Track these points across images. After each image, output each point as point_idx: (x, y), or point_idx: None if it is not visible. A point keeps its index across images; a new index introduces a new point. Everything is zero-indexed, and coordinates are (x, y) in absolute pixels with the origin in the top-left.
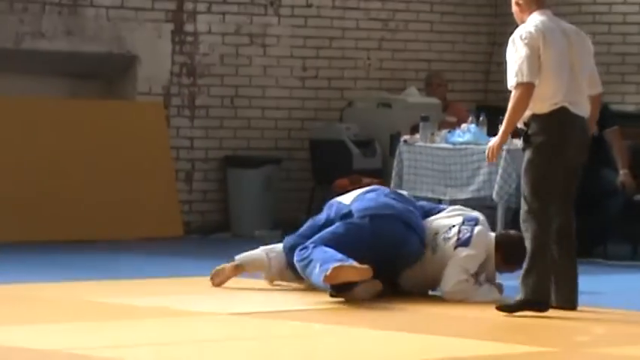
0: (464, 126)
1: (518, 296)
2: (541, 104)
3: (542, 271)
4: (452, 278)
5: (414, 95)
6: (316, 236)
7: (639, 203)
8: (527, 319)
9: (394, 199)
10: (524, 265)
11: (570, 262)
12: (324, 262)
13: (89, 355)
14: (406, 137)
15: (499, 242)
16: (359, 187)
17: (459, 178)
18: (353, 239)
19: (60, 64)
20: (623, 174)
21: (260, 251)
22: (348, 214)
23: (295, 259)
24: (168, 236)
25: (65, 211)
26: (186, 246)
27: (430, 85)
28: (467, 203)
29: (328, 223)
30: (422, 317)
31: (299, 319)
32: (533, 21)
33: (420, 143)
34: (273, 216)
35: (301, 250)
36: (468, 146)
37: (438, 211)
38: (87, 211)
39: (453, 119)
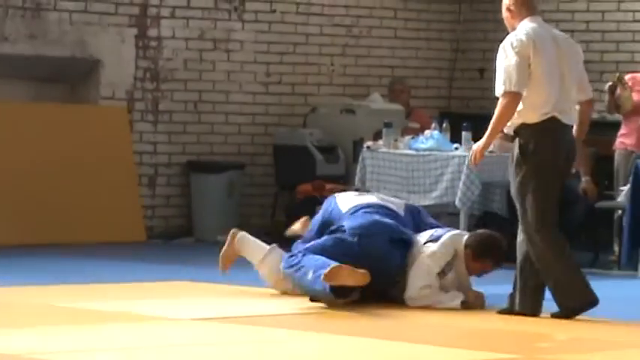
0: (427, 132)
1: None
2: (532, 113)
3: (564, 280)
4: (415, 284)
5: (377, 101)
6: (305, 246)
7: (601, 210)
8: (491, 326)
9: (387, 214)
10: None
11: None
12: (318, 267)
13: None
14: (369, 143)
15: (468, 239)
16: (342, 190)
17: (421, 185)
18: (341, 253)
19: (23, 67)
20: (585, 181)
21: (264, 244)
22: (340, 229)
23: (283, 265)
24: (131, 241)
25: (26, 215)
26: (149, 251)
27: (393, 91)
28: (430, 209)
29: (325, 223)
30: (382, 323)
31: (265, 325)
32: (524, 28)
33: (383, 149)
34: (237, 221)
35: (290, 257)
36: (431, 153)
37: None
38: (49, 215)
39: (416, 125)
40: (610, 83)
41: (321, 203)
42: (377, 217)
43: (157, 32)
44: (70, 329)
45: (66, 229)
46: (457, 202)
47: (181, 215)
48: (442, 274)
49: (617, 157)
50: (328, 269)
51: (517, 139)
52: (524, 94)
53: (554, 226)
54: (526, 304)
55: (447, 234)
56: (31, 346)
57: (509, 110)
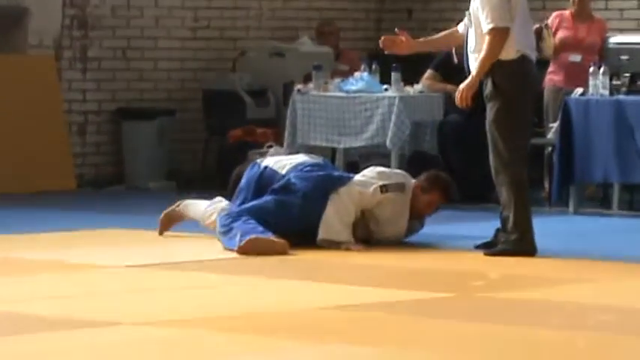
0: (357, 74)
1: (502, 244)
2: (507, 50)
3: (525, 220)
4: (326, 225)
5: (306, 44)
6: (244, 207)
7: (531, 148)
8: (424, 266)
9: (324, 169)
10: (510, 216)
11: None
12: (245, 232)
13: None
14: (299, 86)
15: (417, 178)
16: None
17: (352, 127)
18: (281, 214)
19: None
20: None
21: (204, 202)
22: (281, 190)
23: (218, 224)
24: (62, 189)
25: None
26: (80, 199)
27: (322, 33)
28: (361, 151)
29: (258, 188)
30: (321, 266)
31: (196, 270)
32: None
33: (314, 92)
34: (168, 168)
35: (224, 216)
36: (362, 94)
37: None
38: None
39: (345, 67)
40: (537, 26)
41: (252, 147)
42: (320, 173)
43: None
44: (2, 279)
45: None
46: (388, 143)
47: (112, 163)
48: (384, 188)
49: (546, 94)
50: (244, 242)
51: (489, 77)
52: None
53: (521, 168)
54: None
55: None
56: None
57: (499, 46)
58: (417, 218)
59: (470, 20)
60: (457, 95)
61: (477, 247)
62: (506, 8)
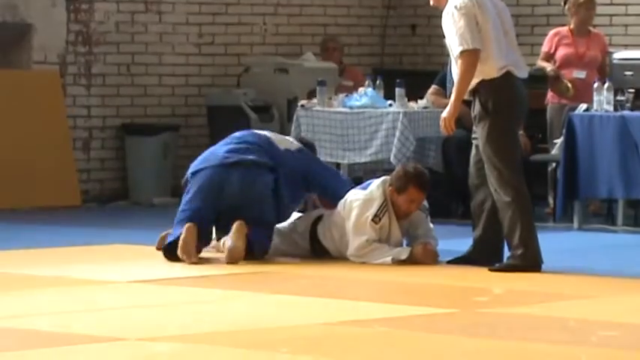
0: (360, 90)
1: (510, 259)
2: (489, 69)
3: (530, 235)
4: (353, 241)
5: (310, 60)
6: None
7: (535, 164)
8: (428, 281)
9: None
10: (515, 234)
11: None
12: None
13: None
14: (303, 102)
15: (390, 179)
16: None
17: (357, 142)
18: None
19: None
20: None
21: None
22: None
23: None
24: (67, 205)
25: None
26: (85, 215)
27: (326, 49)
28: (365, 166)
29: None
30: (324, 281)
31: (200, 286)
32: None
33: (318, 108)
34: (172, 183)
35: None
36: (366, 110)
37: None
38: None
39: (349, 83)
40: (550, 71)
41: None
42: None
43: None
44: (5, 295)
45: (0, 195)
46: (392, 159)
47: (116, 178)
48: (376, 218)
49: (549, 110)
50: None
51: (476, 98)
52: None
53: (520, 181)
54: (483, 254)
55: (374, 181)
56: None
57: (471, 68)
58: (404, 218)
59: (449, 49)
60: (441, 124)
61: (450, 262)
62: (474, 30)
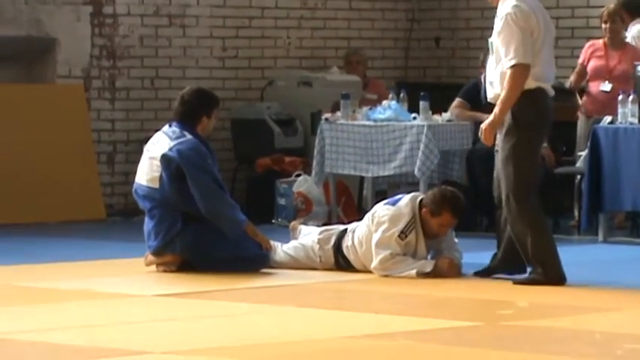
0: (384, 103)
1: (532, 274)
2: (529, 81)
3: (548, 250)
4: (377, 254)
5: (334, 73)
6: None
7: (560, 176)
8: (453, 294)
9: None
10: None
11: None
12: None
13: (14, 340)
14: (327, 115)
15: (422, 200)
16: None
17: (381, 155)
18: None
19: None
20: (543, 148)
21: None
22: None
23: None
24: (91, 219)
25: None
26: (109, 229)
27: (350, 62)
28: (389, 179)
29: None
30: (349, 294)
31: (225, 299)
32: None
33: (342, 121)
34: None
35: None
36: (390, 123)
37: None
38: (8, 195)
39: (373, 96)
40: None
41: (280, 177)
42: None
43: (112, 9)
44: (31, 309)
45: (25, 209)
46: (416, 172)
47: None
48: (402, 235)
49: (579, 122)
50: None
51: (510, 109)
52: None
53: (535, 195)
54: (508, 266)
55: (404, 197)
56: None
57: (521, 82)
58: (433, 239)
59: (490, 49)
60: (480, 135)
61: (476, 274)
62: (528, 43)
